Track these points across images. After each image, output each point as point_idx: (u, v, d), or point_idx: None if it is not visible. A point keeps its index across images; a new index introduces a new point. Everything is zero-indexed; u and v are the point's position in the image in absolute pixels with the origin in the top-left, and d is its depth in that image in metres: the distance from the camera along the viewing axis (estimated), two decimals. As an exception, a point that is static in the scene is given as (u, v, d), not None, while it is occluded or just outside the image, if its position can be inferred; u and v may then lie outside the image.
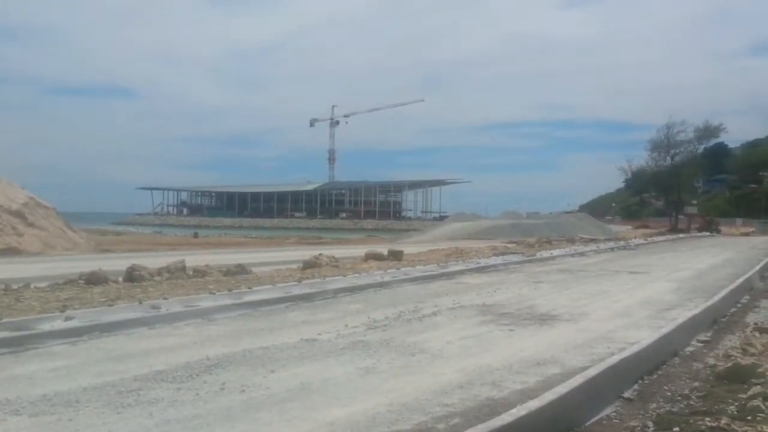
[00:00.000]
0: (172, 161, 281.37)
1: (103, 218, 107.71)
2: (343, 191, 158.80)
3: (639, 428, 5.18)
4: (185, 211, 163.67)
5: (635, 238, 46.35)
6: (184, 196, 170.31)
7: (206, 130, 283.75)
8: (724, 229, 70.45)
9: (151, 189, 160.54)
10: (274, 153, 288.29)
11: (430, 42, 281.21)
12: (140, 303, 10.45)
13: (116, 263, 17.39)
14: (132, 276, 14.35)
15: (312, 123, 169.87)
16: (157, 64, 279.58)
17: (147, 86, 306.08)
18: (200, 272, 15.69)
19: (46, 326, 8.45)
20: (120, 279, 14.33)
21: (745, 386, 6.08)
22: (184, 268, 15.69)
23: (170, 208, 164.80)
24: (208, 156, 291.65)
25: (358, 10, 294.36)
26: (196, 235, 58.14)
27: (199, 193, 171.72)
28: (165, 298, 11.10)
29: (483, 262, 20.39)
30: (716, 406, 5.61)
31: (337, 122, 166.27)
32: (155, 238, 53.26)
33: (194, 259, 18.97)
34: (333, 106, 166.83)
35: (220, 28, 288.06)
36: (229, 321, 9.76)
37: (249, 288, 12.73)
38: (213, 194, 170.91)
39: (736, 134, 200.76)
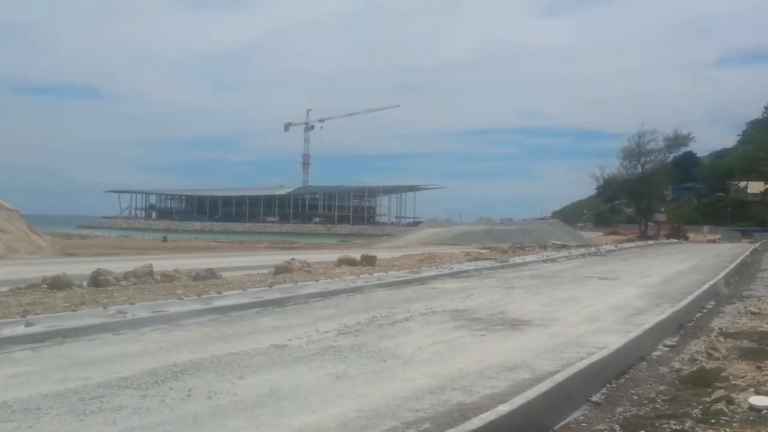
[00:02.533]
0: (141, 164, 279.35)
1: (68, 221, 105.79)
2: (316, 196, 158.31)
3: (606, 431, 5.21)
4: (154, 214, 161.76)
5: (606, 244, 47.00)
6: (153, 199, 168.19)
7: (178, 133, 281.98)
8: (691, 236, 71.75)
9: (119, 192, 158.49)
10: (247, 157, 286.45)
11: (406, 48, 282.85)
12: (105, 308, 10.29)
13: (81, 267, 17.07)
14: (97, 281, 14.11)
15: (287, 127, 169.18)
16: (129, 64, 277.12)
17: (117, 86, 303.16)
18: (168, 277, 15.49)
19: (6, 332, 8.25)
20: (85, 284, 14.07)
21: (710, 390, 6.16)
22: (151, 273, 15.48)
23: (138, 212, 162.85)
24: (179, 159, 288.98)
25: (334, 14, 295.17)
26: (165, 239, 57.53)
27: (169, 197, 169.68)
28: (131, 303, 10.95)
29: (456, 267, 20.44)
30: (681, 410, 5.67)
31: (312, 127, 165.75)
32: (122, 242, 52.57)
33: (162, 263, 18.73)
34: (308, 111, 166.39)
35: (194, 29, 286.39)
36: (197, 326, 9.63)
37: (218, 293, 12.60)
38: (183, 198, 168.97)
39: (704, 144, 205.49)
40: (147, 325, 9.40)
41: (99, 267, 15.23)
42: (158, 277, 15.42)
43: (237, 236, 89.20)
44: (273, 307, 11.56)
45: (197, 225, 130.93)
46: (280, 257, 22.44)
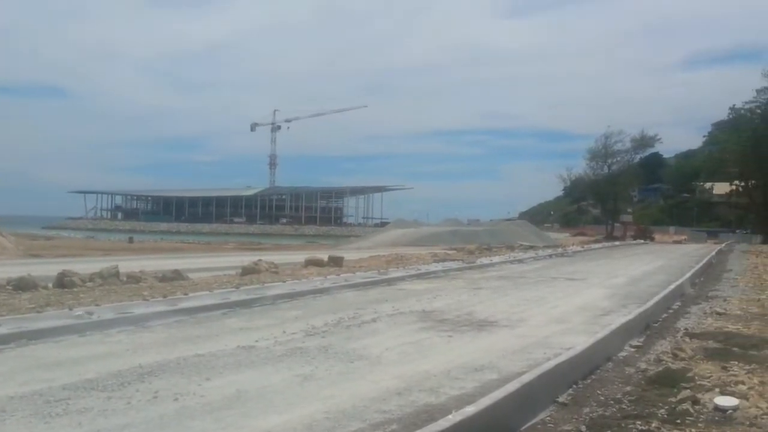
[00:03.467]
0: (107, 164, 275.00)
1: (33, 222, 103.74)
2: (283, 197, 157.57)
3: (573, 432, 5.26)
4: (120, 215, 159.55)
5: (573, 245, 47.49)
6: (118, 200, 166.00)
7: (143, 133, 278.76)
8: (657, 236, 72.89)
9: (84, 192, 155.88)
10: (213, 157, 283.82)
11: (373, 49, 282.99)
12: (71, 310, 10.10)
13: (46, 268, 16.76)
14: (63, 282, 13.88)
15: (253, 127, 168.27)
16: (94, 64, 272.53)
17: (82, 86, 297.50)
18: (134, 278, 15.29)
19: (-31, 334, 8.06)
20: (50, 285, 13.83)
21: (675, 390, 6.25)
22: (117, 274, 15.27)
23: (104, 213, 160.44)
24: (145, 159, 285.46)
25: (301, 15, 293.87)
26: (131, 240, 56.63)
27: (135, 197, 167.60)
28: (97, 305, 10.79)
29: (423, 268, 20.48)
30: (647, 410, 5.74)
31: (279, 127, 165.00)
32: (88, 243, 51.67)
33: (128, 264, 18.49)
34: (274, 111, 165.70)
35: (161, 29, 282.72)
36: (163, 328, 9.51)
37: (185, 294, 12.47)
38: (149, 198, 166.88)
39: (670, 145, 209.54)
40: (113, 326, 9.26)
41: (64, 268, 14.98)
42: (124, 279, 15.23)
43: (204, 237, 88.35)
44: (240, 308, 11.47)
45: (163, 226, 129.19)
46: (247, 258, 22.28)
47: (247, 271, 17.74)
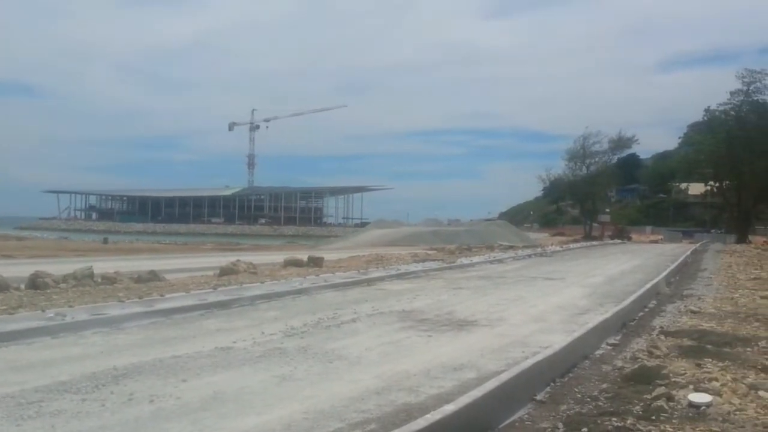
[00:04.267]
0: (81, 164, 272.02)
1: (5, 222, 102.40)
2: (262, 197, 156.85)
3: (549, 429, 5.28)
4: (94, 215, 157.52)
5: (552, 245, 47.78)
6: (93, 200, 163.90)
7: (119, 132, 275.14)
8: (634, 236, 73.66)
9: (58, 192, 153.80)
10: (191, 157, 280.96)
11: (354, 48, 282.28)
12: (44, 311, 9.95)
13: (19, 269, 16.53)
14: (35, 283, 13.66)
15: (231, 127, 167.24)
16: (70, 63, 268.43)
17: (56, 85, 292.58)
18: (109, 279, 15.10)
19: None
20: (22, 286, 13.60)
21: (650, 387, 6.30)
22: (92, 275, 15.07)
23: (78, 213, 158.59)
24: (121, 159, 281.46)
25: (280, 13, 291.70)
26: (105, 241, 55.91)
27: (110, 197, 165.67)
28: (70, 306, 10.65)
29: (403, 268, 20.49)
30: (623, 407, 5.78)
31: (257, 126, 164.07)
32: (61, 243, 50.91)
33: (103, 265, 18.26)
34: (253, 110, 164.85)
35: (138, 27, 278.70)
36: (139, 329, 9.40)
37: (161, 295, 12.35)
38: (124, 198, 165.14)
39: (647, 146, 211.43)
40: (87, 328, 9.14)
41: (37, 269, 14.73)
42: (99, 280, 15.03)
43: (181, 237, 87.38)
44: (217, 309, 11.38)
45: (139, 226, 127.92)
46: (225, 259, 22.13)
47: (225, 272, 17.62)
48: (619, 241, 62.88)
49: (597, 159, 78.56)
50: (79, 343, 8.32)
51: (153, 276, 15.83)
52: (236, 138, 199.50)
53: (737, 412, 5.63)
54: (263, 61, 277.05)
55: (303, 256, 23.60)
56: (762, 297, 14.81)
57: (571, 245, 48.14)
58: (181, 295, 12.40)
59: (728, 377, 6.77)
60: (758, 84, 67.43)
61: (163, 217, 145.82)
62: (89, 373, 6.61)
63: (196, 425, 5.10)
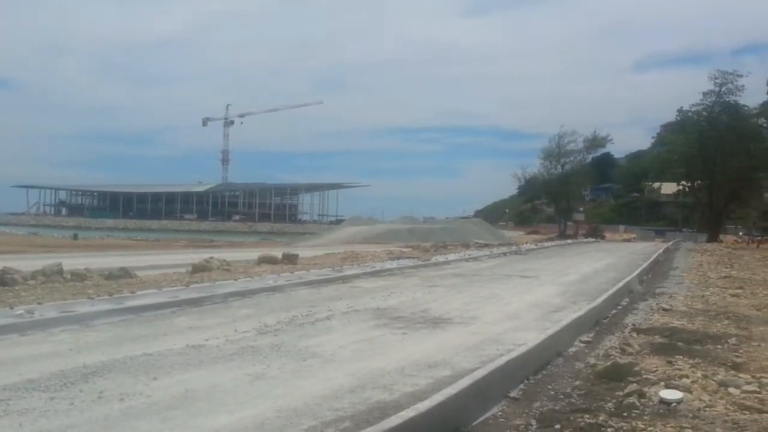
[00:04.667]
0: (52, 158, 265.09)
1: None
2: (236, 193, 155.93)
3: (523, 426, 5.29)
4: (64, 211, 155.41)
5: (527, 243, 47.99)
6: (63, 195, 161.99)
7: (92, 127, 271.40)
8: (608, 235, 74.41)
9: (27, 187, 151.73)
10: (164, 152, 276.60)
11: (330, 44, 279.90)
12: (12, 308, 9.78)
13: (-13, 266, 16.22)
14: (3, 279, 13.41)
15: (205, 122, 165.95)
16: (43, 56, 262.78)
17: (30, 78, 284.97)
18: (79, 276, 14.86)
19: None
20: (-10, 282, 13.36)
21: (623, 384, 6.36)
22: (61, 272, 14.82)
23: (48, 208, 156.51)
24: (92, 153, 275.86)
25: (256, 8, 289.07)
26: (75, 237, 55.18)
27: (80, 193, 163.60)
28: (39, 303, 10.46)
29: (378, 266, 20.48)
30: (595, 404, 5.82)
31: (232, 122, 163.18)
32: (30, 239, 50.07)
33: (73, 262, 17.94)
34: (227, 105, 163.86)
35: (110, 21, 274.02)
36: (109, 327, 9.26)
37: (132, 292, 12.17)
38: (95, 194, 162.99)
39: (621, 145, 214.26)
40: (56, 325, 8.98)
41: (5, 265, 14.45)
42: (68, 276, 14.77)
43: (153, 234, 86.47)
44: (189, 306, 11.25)
45: (110, 222, 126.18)
46: (198, 256, 21.93)
47: (198, 269, 17.43)
48: (593, 239, 63.42)
49: (572, 158, 79.46)
50: (48, 341, 8.18)
51: (124, 273, 15.62)
52: (210, 134, 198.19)
53: (707, 409, 5.70)
54: (239, 56, 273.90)
55: (277, 253, 23.46)
56: (732, 295, 15.07)
57: (546, 243, 48.54)
58: (153, 292, 12.25)
59: (699, 374, 6.86)
60: (730, 85, 68.60)
61: (134, 213, 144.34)
62: (58, 371, 6.49)
63: (167, 424, 5.02)
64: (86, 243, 45.50)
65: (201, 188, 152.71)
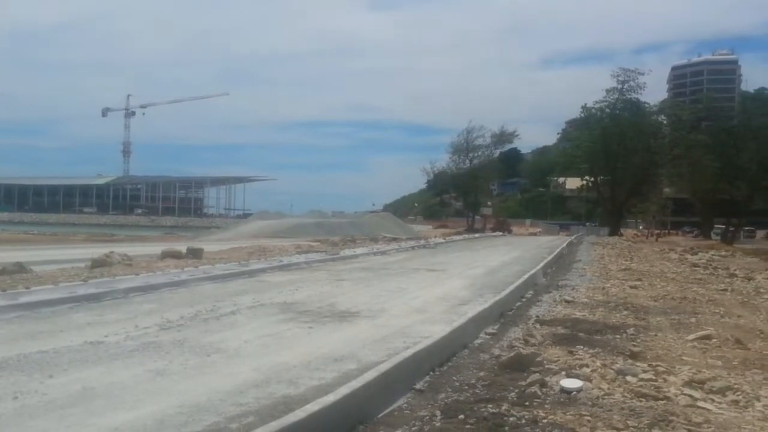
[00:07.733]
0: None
1: None
2: (139, 186, 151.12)
3: (428, 417, 5.36)
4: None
5: (435, 237, 48.74)
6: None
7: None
8: (514, 229, 76.68)
9: None
10: (60, 144, 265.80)
11: (236, 36, 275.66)
12: None
13: None
14: None
15: (104, 113, 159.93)
16: None
17: None
18: (-31, 271, 14.04)
19: None
20: None
21: (525, 374, 6.55)
22: (-51, 267, 13.96)
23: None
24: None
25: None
26: (-34, 231, 52.21)
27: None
28: None
29: (286, 260, 20.28)
30: (498, 394, 5.97)
31: (133, 113, 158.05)
32: None
33: (-37, 256, 16.95)
34: (128, 96, 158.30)
35: (2, 6, 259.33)
36: (2, 324, 8.78)
37: (27, 288, 11.60)
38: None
39: (528, 141, 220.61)
40: (-60, 323, 8.45)
41: None
42: (-44, 271, 13.92)
43: (50, 228, 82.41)
44: (88, 302, 10.80)
45: (4, 216, 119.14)
46: (98, 250, 21.02)
47: (98, 264, 16.75)
48: (501, 233, 65.11)
49: (480, 153, 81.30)
50: (-69, 340, 7.68)
51: (19, 268, 14.83)
52: (111, 125, 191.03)
53: (606, 397, 5.94)
54: (140, 46, 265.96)
55: (182, 247, 22.85)
56: (631, 287, 15.78)
57: (454, 237, 49.38)
58: (49, 288, 11.72)
59: (598, 363, 7.14)
60: (632, 82, 72.16)
61: (30, 207, 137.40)
62: (-56, 371, 6.12)
63: (63, 422, 4.83)
64: (-24, 237, 42.96)
65: (101, 181, 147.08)
